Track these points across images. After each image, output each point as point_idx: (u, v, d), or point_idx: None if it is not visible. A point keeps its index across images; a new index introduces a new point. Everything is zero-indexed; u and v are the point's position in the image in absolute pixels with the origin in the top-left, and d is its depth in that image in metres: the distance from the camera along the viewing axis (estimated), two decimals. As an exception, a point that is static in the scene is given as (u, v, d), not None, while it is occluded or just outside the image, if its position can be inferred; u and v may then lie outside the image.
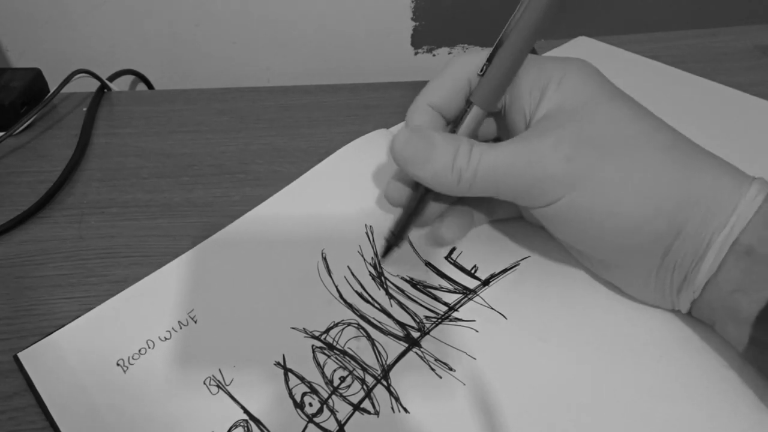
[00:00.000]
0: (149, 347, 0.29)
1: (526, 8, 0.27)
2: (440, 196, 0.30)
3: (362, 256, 0.33)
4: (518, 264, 0.32)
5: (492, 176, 0.27)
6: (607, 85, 0.28)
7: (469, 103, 0.29)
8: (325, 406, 0.27)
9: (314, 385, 0.27)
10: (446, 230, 0.31)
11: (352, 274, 0.32)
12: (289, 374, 0.28)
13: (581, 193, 0.26)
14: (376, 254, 0.33)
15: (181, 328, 0.30)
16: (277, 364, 0.28)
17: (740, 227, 0.24)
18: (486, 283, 0.31)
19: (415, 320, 0.30)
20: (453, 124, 0.29)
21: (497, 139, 0.33)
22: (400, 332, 0.29)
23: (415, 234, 0.34)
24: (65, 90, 0.50)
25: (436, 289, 0.31)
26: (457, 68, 0.30)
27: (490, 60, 0.28)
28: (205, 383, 0.28)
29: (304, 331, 0.30)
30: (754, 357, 0.26)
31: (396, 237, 0.30)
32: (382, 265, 0.32)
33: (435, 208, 0.31)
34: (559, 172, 0.26)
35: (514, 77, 0.28)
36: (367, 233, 0.34)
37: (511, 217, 0.34)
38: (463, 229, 0.32)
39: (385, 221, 0.34)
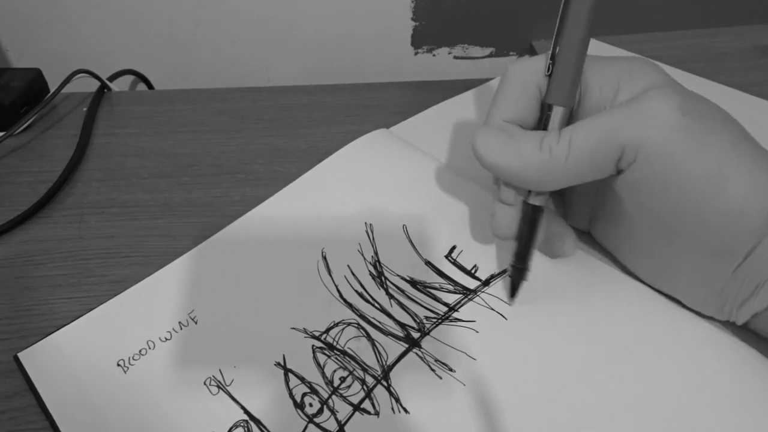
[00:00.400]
0: (150, 348, 0.29)
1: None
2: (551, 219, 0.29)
3: (362, 255, 0.33)
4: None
5: (592, 138, 0.25)
6: (674, 80, 0.27)
7: (548, 107, 0.27)
8: (325, 406, 0.27)
9: (314, 385, 0.27)
10: (567, 245, 0.30)
11: (353, 274, 0.32)
12: (290, 374, 0.28)
13: (691, 154, 0.23)
14: (376, 253, 0.33)
15: (181, 328, 0.30)
16: (278, 364, 0.28)
17: None
18: (486, 283, 0.31)
19: (415, 320, 0.30)
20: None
21: None
22: (400, 332, 0.29)
23: (415, 234, 0.34)
24: (65, 90, 0.50)
25: (436, 289, 0.31)
26: (521, 76, 0.28)
27: (553, 57, 0.27)
28: (205, 383, 0.28)
29: (305, 331, 0.30)
30: None
31: (521, 270, 0.29)
32: (510, 304, 0.30)
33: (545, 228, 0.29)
34: (672, 122, 0.24)
35: (582, 70, 0.27)
36: (367, 232, 0.34)
37: (581, 228, 0.33)
38: (574, 241, 0.30)
39: (385, 220, 0.34)
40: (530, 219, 0.28)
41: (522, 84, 0.28)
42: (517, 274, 0.29)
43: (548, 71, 0.27)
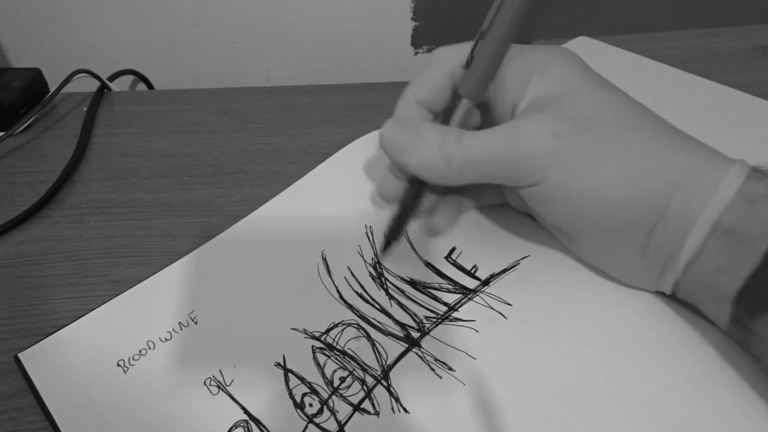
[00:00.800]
0: (150, 348, 0.29)
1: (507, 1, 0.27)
2: (434, 188, 0.30)
3: (362, 256, 0.33)
4: (518, 263, 0.32)
5: (481, 158, 0.27)
6: (589, 71, 0.29)
7: (457, 96, 0.29)
8: (325, 406, 0.27)
9: (314, 385, 0.27)
10: (440, 220, 0.32)
11: (352, 275, 0.32)
12: (290, 375, 0.28)
13: (568, 171, 0.26)
14: (376, 254, 0.33)
15: (181, 329, 0.30)
16: (278, 364, 0.28)
17: (720, 208, 0.25)
18: (486, 282, 0.31)
19: (415, 320, 0.30)
20: (442, 117, 0.30)
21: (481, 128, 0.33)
22: (400, 332, 0.29)
23: (414, 233, 0.34)
24: (65, 90, 0.50)
25: (436, 289, 0.31)
26: (441, 63, 0.30)
27: (473, 52, 0.28)
28: (205, 384, 0.28)
29: (305, 331, 0.30)
30: (736, 335, 0.26)
31: (394, 232, 0.31)
32: (381, 263, 0.32)
33: (427, 200, 0.32)
34: (545, 148, 0.26)
35: (498, 68, 0.29)
36: (366, 233, 0.34)
37: (496, 203, 0.35)
38: (454, 216, 0.33)
39: (385, 221, 0.34)
40: (415, 192, 0.30)
41: (440, 70, 0.30)
42: (390, 235, 0.31)
43: (466, 64, 0.29)
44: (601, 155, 0.26)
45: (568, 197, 0.27)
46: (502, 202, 0.34)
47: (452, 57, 0.30)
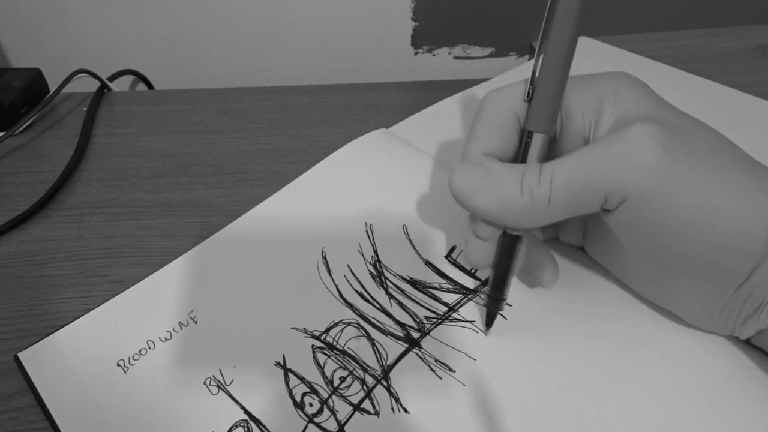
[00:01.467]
0: (150, 348, 0.29)
1: (558, 15, 0.24)
2: (530, 238, 0.28)
3: (362, 254, 0.33)
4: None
5: (574, 182, 0.24)
6: (660, 99, 0.26)
7: (528, 134, 0.26)
8: (325, 406, 0.27)
9: (314, 385, 0.27)
10: (549, 273, 0.29)
11: (352, 273, 0.32)
12: (289, 374, 0.28)
13: (679, 191, 0.23)
14: (375, 252, 0.33)
15: (181, 328, 0.30)
16: (277, 364, 0.28)
17: None
18: (486, 283, 0.31)
19: (415, 320, 0.30)
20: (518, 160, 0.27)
21: None
22: (400, 332, 0.29)
23: (415, 232, 0.34)
24: (65, 90, 0.50)
25: (436, 288, 0.31)
26: (496, 106, 0.27)
27: (532, 82, 0.26)
28: (205, 383, 0.28)
29: (304, 330, 0.30)
30: None
31: (496, 302, 0.28)
32: (486, 333, 0.29)
33: (523, 258, 0.28)
34: (659, 162, 0.23)
35: (563, 94, 0.26)
36: (367, 232, 0.34)
37: (549, 237, 0.33)
38: (556, 268, 0.29)
39: (385, 220, 0.34)
40: (508, 249, 0.27)
41: (499, 114, 0.27)
42: (493, 304, 0.28)
43: (528, 97, 0.26)
44: (709, 179, 0.23)
45: (668, 218, 0.23)
46: (553, 236, 0.33)
47: (505, 97, 0.27)
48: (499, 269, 0.27)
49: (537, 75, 0.26)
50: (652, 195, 0.23)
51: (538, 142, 0.26)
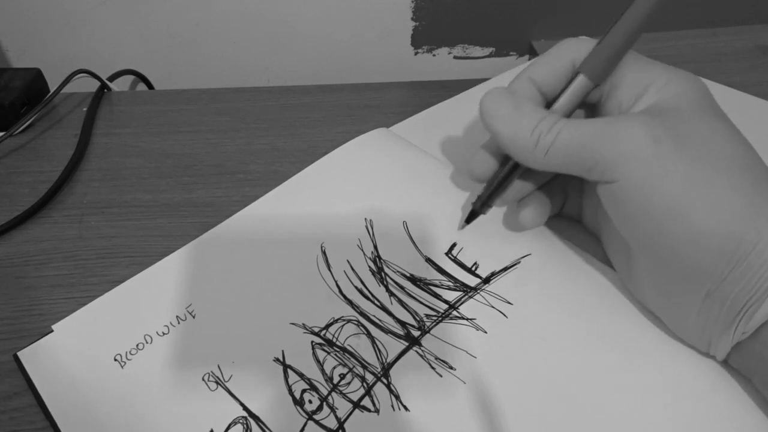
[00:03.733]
0: (147, 342, 0.29)
1: None
2: (527, 175, 0.30)
3: (362, 250, 0.33)
4: (519, 262, 0.32)
5: (572, 144, 0.26)
6: (709, 99, 0.27)
7: (575, 74, 0.28)
8: (324, 403, 0.27)
9: (314, 382, 0.27)
10: (530, 212, 0.31)
11: (352, 269, 0.32)
12: (289, 371, 0.28)
13: (657, 179, 0.25)
14: (375, 248, 0.33)
15: (179, 323, 0.30)
16: (277, 360, 0.28)
17: None
18: (487, 280, 0.31)
19: (415, 318, 0.30)
20: (553, 100, 0.29)
21: None
22: (400, 331, 0.29)
23: (415, 231, 0.34)
24: (65, 90, 0.50)
25: (436, 286, 0.31)
26: (565, 49, 0.29)
27: (606, 34, 0.28)
28: (203, 379, 0.28)
29: (304, 326, 0.30)
30: None
31: (483, 204, 0.31)
32: (460, 228, 0.33)
33: (518, 187, 0.31)
34: (640, 148, 0.25)
35: (620, 64, 0.28)
36: (366, 227, 0.34)
37: (572, 216, 0.34)
38: (542, 216, 0.32)
39: (385, 218, 0.34)
40: (507, 172, 0.30)
41: (563, 56, 0.29)
42: (479, 206, 0.31)
43: (598, 43, 0.28)
44: (692, 176, 0.24)
45: (647, 206, 0.25)
46: (577, 216, 0.34)
47: (579, 46, 0.29)
48: (493, 184, 0.30)
49: (610, 28, 0.28)
50: (633, 177, 0.25)
51: (579, 84, 0.28)
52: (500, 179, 0.30)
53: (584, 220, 0.34)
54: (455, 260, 0.32)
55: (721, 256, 0.24)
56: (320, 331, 0.29)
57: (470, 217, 0.32)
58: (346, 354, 0.28)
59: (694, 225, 0.24)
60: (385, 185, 0.36)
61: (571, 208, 0.34)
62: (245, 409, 0.27)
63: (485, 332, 0.29)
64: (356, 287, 0.31)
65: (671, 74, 0.27)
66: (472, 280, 0.31)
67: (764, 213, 0.24)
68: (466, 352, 0.28)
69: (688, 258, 0.25)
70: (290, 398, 0.27)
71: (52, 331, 0.30)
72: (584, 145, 0.26)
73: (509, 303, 0.30)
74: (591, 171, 0.26)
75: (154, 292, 0.32)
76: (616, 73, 0.28)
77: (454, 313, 0.30)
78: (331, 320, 0.30)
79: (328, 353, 0.28)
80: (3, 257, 0.36)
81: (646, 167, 0.25)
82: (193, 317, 0.30)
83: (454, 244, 0.33)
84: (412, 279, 0.32)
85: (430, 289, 0.31)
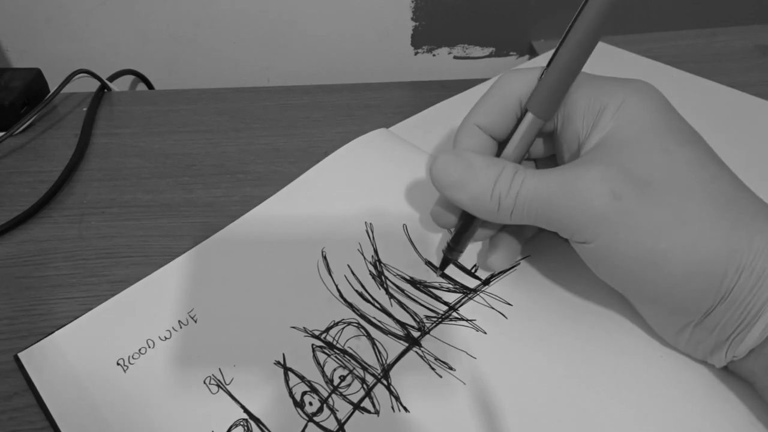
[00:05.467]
0: (149, 347, 0.29)
1: (584, 8, 0.25)
2: (487, 222, 0.29)
3: (362, 254, 0.33)
4: (518, 263, 0.32)
5: (533, 205, 0.25)
6: (666, 115, 0.26)
7: (524, 112, 0.27)
8: (325, 405, 0.27)
9: (314, 384, 0.27)
10: (498, 257, 0.30)
11: (353, 273, 0.32)
12: (289, 373, 0.28)
13: (625, 235, 0.24)
14: (376, 252, 0.33)
15: (181, 327, 0.30)
16: (277, 363, 0.28)
17: None
18: (486, 282, 0.31)
19: (415, 320, 0.30)
20: (505, 141, 0.28)
21: (549, 158, 0.32)
22: (400, 332, 0.29)
23: (415, 232, 0.34)
24: (65, 90, 0.50)
25: (436, 288, 0.31)
26: (507, 86, 0.28)
27: (548, 65, 0.26)
28: (205, 383, 0.28)
29: (304, 330, 0.30)
30: None
31: (453, 251, 0.30)
32: (438, 275, 0.32)
33: (485, 231, 0.30)
34: (603, 208, 0.24)
35: (570, 90, 0.27)
36: (367, 231, 0.34)
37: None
38: (510, 257, 0.30)
39: (385, 220, 0.34)
40: (467, 220, 0.29)
41: (506, 93, 0.28)
42: (449, 253, 0.30)
43: (540, 77, 0.27)
44: (660, 223, 0.23)
45: (620, 262, 0.24)
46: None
47: (519, 81, 0.28)
48: (458, 232, 0.29)
49: (551, 60, 0.26)
50: (601, 237, 0.24)
51: (528, 123, 0.27)
52: (463, 228, 0.29)
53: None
54: (455, 262, 0.32)
55: (705, 294, 0.24)
56: (321, 334, 0.29)
57: (443, 264, 0.31)
58: (347, 356, 0.28)
59: (672, 272, 0.24)
60: (386, 186, 0.37)
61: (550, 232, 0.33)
62: (246, 411, 0.27)
63: (485, 333, 0.29)
64: (356, 291, 0.31)
65: (625, 93, 0.26)
66: (471, 282, 0.31)
67: (743, 243, 0.23)
68: (466, 352, 0.28)
69: (671, 301, 0.24)
70: (291, 400, 0.27)
71: (52, 331, 0.30)
72: (546, 207, 0.25)
73: (509, 304, 0.30)
74: (560, 231, 0.26)
75: (156, 297, 0.32)
76: (566, 101, 0.27)
77: (454, 314, 0.30)
78: (332, 323, 0.30)
79: (329, 356, 0.29)
80: (3, 257, 0.36)
81: (610, 226, 0.24)
82: (195, 322, 0.30)
83: (454, 245, 0.33)
84: (412, 281, 0.32)
85: (430, 291, 0.31)
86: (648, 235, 0.24)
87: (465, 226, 0.29)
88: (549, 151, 0.31)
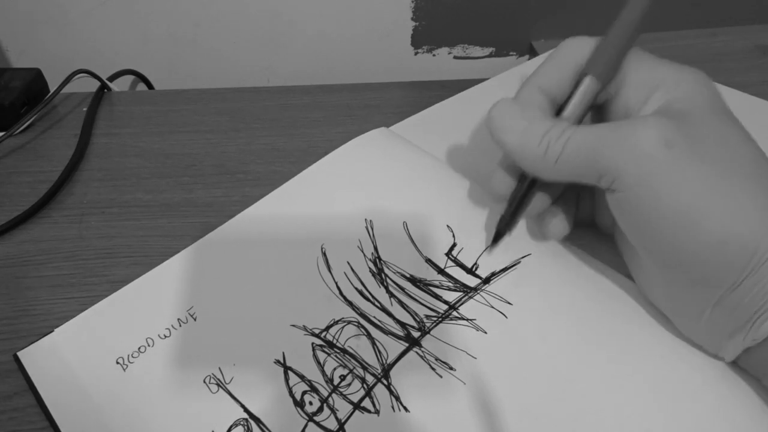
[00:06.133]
0: (149, 345, 0.29)
1: None
2: (546, 187, 0.30)
3: (362, 251, 0.33)
4: (519, 262, 0.32)
5: (581, 148, 0.25)
6: (720, 101, 0.26)
7: (582, 76, 0.28)
8: (325, 404, 0.27)
9: (314, 383, 0.27)
10: (556, 225, 0.31)
11: (352, 270, 0.32)
12: (289, 372, 0.28)
13: (669, 186, 0.24)
14: (376, 249, 0.33)
15: (180, 325, 0.30)
16: (277, 362, 0.28)
17: None
18: (487, 281, 0.31)
19: (415, 319, 0.30)
20: (563, 105, 0.29)
21: None
22: (400, 332, 0.29)
23: (415, 232, 0.34)
24: (65, 90, 0.50)
25: (436, 286, 0.31)
26: (568, 52, 0.29)
27: (609, 31, 0.27)
28: (205, 382, 0.28)
29: (304, 328, 0.30)
30: None
31: (507, 225, 0.30)
32: (489, 251, 0.32)
33: (539, 202, 0.30)
34: (653, 152, 0.24)
35: (627, 62, 0.27)
36: (367, 228, 0.34)
37: (584, 219, 0.33)
38: (567, 226, 0.31)
39: (385, 218, 0.34)
40: (525, 189, 0.29)
41: (567, 58, 0.29)
42: (503, 227, 0.30)
43: (600, 42, 0.28)
44: (706, 181, 0.23)
45: (656, 214, 0.24)
46: (589, 218, 0.33)
47: (580, 46, 0.28)
48: (514, 203, 0.30)
49: (612, 27, 0.27)
50: (643, 183, 0.24)
51: (586, 86, 0.28)
52: (520, 196, 0.29)
53: (597, 219, 0.33)
54: (455, 261, 0.32)
55: (734, 265, 0.23)
56: (321, 332, 0.29)
57: (496, 238, 0.30)
58: (347, 355, 0.28)
59: (710, 234, 0.23)
60: (386, 185, 0.36)
61: (583, 211, 0.33)
62: (246, 410, 0.27)
63: (485, 333, 0.29)
64: (356, 288, 0.31)
65: (681, 74, 0.27)
66: (472, 281, 0.31)
67: None
68: (466, 352, 0.28)
69: (699, 267, 0.24)
70: (291, 400, 0.27)
71: (52, 331, 0.30)
72: (594, 150, 0.25)
73: (509, 303, 0.30)
74: (602, 178, 0.26)
75: (155, 295, 0.32)
76: (622, 74, 0.28)
77: (454, 313, 0.30)
78: (332, 322, 0.30)
79: (329, 355, 0.29)
80: (3, 257, 0.36)
81: (659, 172, 0.24)
82: (195, 320, 0.30)
83: (454, 245, 0.33)
84: (412, 280, 0.32)
85: (430, 290, 0.31)
86: (691, 190, 0.23)
87: (523, 191, 0.29)
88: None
